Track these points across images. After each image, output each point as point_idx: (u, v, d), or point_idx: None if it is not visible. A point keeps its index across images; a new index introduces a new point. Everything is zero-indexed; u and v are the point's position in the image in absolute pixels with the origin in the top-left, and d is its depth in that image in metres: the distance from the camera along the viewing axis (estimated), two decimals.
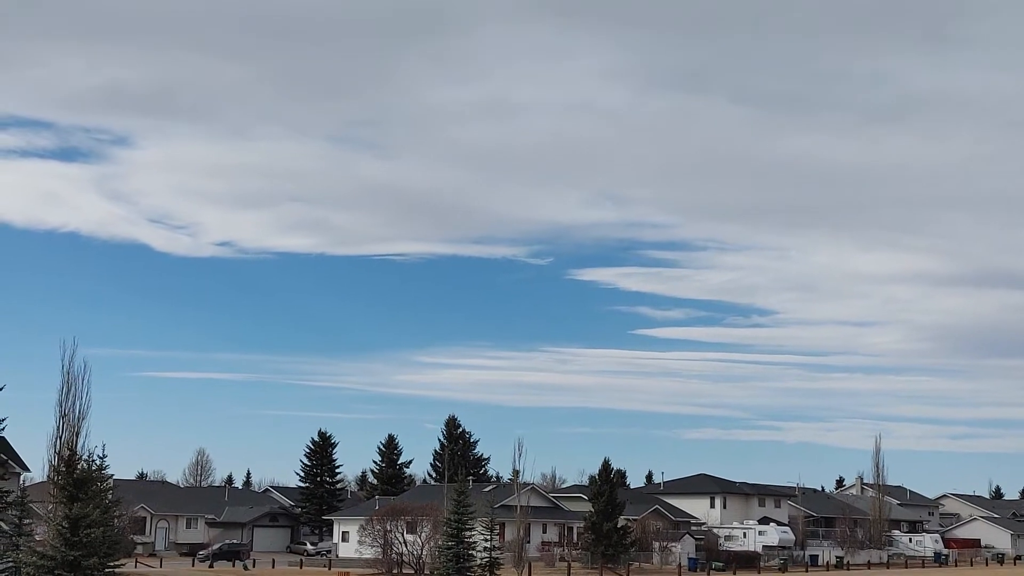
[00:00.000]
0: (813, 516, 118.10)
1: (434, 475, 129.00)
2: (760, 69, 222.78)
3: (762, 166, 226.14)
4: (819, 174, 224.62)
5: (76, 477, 55.72)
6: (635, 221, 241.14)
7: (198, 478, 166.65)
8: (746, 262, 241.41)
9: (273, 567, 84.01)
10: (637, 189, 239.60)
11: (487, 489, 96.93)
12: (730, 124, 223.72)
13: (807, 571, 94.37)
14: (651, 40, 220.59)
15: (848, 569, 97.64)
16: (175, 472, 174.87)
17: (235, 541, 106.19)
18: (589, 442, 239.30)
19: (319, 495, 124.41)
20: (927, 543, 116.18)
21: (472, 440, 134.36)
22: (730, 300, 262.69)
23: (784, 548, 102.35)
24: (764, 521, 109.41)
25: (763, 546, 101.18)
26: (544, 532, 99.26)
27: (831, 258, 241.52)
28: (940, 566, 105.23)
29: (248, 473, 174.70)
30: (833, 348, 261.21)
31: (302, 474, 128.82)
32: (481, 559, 76.80)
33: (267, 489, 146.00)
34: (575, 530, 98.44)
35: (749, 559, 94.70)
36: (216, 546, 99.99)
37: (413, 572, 77.98)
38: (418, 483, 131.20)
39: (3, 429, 66.57)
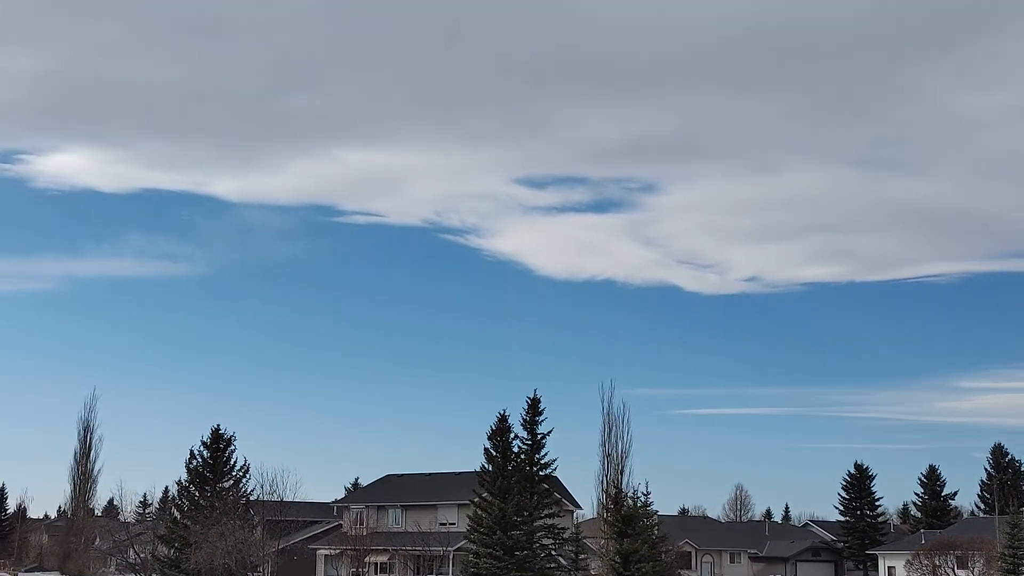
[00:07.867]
0: None
1: (982, 506, 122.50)
2: None
3: None
4: None
5: (623, 514, 59.47)
6: None
7: (737, 513, 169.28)
8: None
9: None
10: None
11: None
12: None
13: None
14: None
15: None
16: (715, 507, 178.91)
17: None
18: None
19: (860, 528, 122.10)
20: None
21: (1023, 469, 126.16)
22: None
23: None
24: None
25: None
26: None
27: None
28: None
29: (786, 507, 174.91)
30: None
31: (840, 507, 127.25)
32: None
33: (807, 523, 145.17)
34: None
35: None
36: None
37: None
38: (964, 515, 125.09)
39: (555, 469, 72.82)
